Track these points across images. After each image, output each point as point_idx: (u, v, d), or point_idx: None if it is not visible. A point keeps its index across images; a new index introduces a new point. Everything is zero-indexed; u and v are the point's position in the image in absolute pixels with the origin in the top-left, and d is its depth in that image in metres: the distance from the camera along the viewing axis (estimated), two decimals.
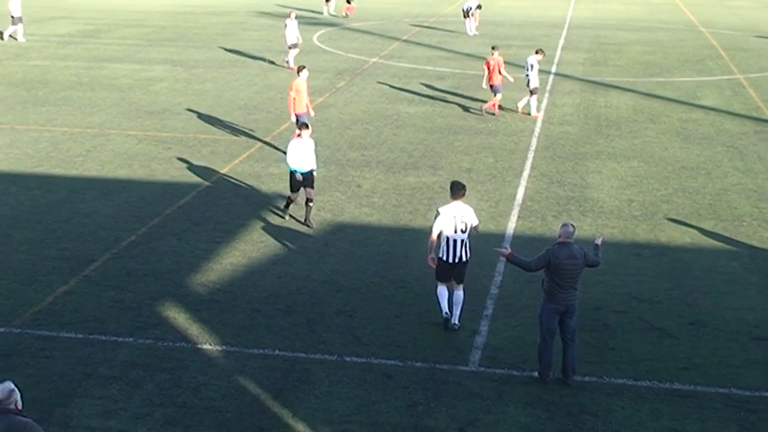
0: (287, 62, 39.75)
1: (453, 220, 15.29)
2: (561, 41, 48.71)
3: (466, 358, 14.56)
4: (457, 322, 15.52)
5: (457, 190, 15.54)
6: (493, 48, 31.48)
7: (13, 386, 9.32)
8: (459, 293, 15.59)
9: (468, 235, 15.48)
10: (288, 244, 19.25)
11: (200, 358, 14.45)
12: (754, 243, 19.62)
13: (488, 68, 30.71)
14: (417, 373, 14.07)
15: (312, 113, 25.85)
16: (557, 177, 23.91)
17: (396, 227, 20.40)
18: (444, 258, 15.46)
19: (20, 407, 9.25)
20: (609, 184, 23.49)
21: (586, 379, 13.97)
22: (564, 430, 12.63)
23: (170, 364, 14.23)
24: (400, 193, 22.57)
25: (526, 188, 22.93)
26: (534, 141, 27.56)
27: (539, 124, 29.76)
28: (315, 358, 14.49)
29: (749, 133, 29.00)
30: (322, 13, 56.95)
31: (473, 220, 15.56)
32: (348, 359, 14.47)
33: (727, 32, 52.86)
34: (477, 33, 50.45)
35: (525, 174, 24.09)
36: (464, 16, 51.16)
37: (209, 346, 14.80)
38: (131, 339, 14.99)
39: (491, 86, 30.93)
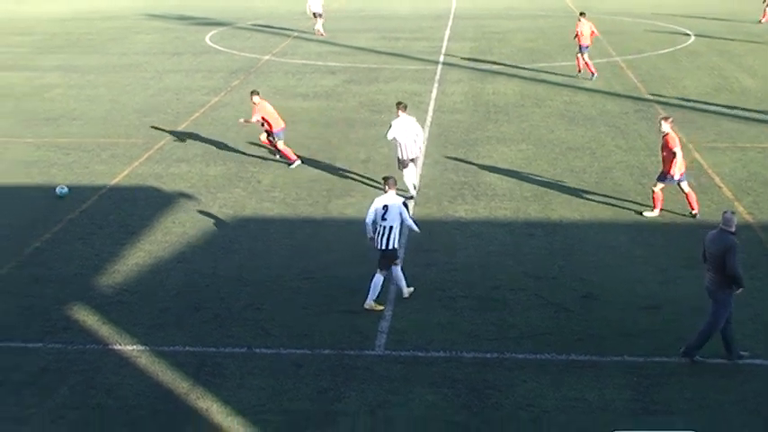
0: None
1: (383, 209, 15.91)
2: (447, 32, 49.11)
3: (372, 343, 14.70)
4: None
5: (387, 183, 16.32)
6: (581, 14, 36.51)
7: None
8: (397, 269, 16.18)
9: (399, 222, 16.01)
10: (192, 242, 19.15)
11: (112, 359, 14.34)
12: (639, 218, 20.11)
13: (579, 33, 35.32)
14: (326, 361, 14.16)
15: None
16: (450, 164, 24.17)
17: (297, 219, 20.44)
18: (377, 246, 16.00)
19: None
20: (500, 167, 23.82)
21: (488, 355, 14.21)
22: (469, 406, 12.85)
23: (82, 367, 14.09)
24: (299, 186, 22.59)
25: (421, 176, 23.12)
26: (426, 130, 27.77)
27: (430, 113, 30.03)
28: (225, 352, 14.49)
29: (630, 113, 29.66)
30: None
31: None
32: (258, 351, 14.51)
33: (604, 17, 53.83)
34: (324, 35, 48.03)
35: (419, 162, 24.29)
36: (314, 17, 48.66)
37: (121, 347, 14.69)
38: (41, 344, 14.81)
39: (580, 47, 35.38)
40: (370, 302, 15.88)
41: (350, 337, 14.86)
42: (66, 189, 22.02)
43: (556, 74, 36.47)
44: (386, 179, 16.41)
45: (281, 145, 24.25)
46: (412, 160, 21.54)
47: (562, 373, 13.72)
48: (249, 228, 20.01)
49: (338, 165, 24.29)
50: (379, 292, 15.95)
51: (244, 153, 25.55)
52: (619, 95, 32.41)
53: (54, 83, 35.94)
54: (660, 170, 20.11)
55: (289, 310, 15.94)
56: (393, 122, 21.44)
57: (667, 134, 19.79)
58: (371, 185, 22.40)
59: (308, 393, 13.25)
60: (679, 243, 18.62)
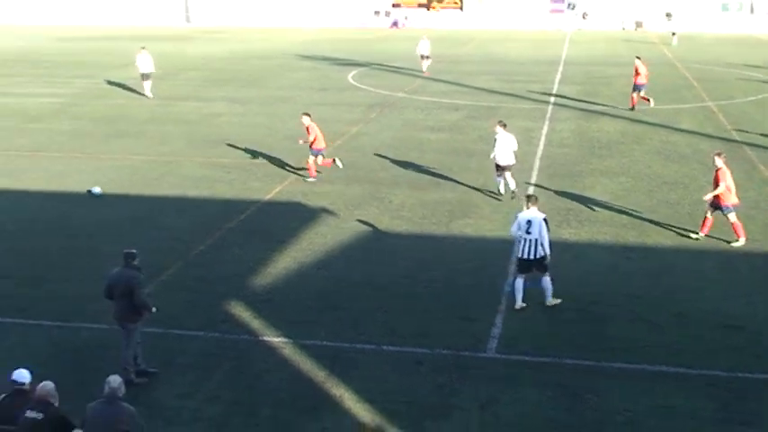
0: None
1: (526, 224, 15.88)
2: (558, 76, 48.61)
3: (485, 346, 14.55)
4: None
5: (530, 200, 16.36)
6: (637, 57, 37.56)
7: (121, 380, 9.58)
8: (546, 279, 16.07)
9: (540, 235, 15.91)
10: (331, 251, 19.27)
11: (261, 349, 14.50)
12: (726, 246, 19.48)
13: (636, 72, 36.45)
14: (443, 360, 14.06)
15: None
16: (557, 192, 23.83)
17: (422, 235, 20.40)
18: (518, 254, 16.06)
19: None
20: (601, 197, 23.39)
21: (587, 363, 13.92)
22: (569, 407, 12.61)
23: (235, 354, 14.30)
24: (425, 207, 22.55)
25: None
26: (537, 162, 27.50)
27: (540, 147, 29.70)
28: (357, 348, 14.51)
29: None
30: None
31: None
32: (385, 348, 14.49)
33: (697, 66, 52.62)
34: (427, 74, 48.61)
35: (530, 189, 24.03)
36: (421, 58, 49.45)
37: (268, 339, 14.85)
38: (202, 333, 15.07)
39: (636, 85, 36.69)
40: (520, 304, 15.84)
41: (465, 340, 14.73)
42: (99, 190, 23.40)
43: (654, 115, 35.68)
44: (528, 197, 16.55)
45: (311, 160, 24.96)
46: (506, 167, 22.86)
47: (653, 382, 13.35)
48: (381, 241, 20.05)
49: (459, 189, 24.19)
50: (523, 295, 15.89)
51: (378, 176, 25.64)
52: (711, 136, 31.51)
53: (220, 111, 36.72)
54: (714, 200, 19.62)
55: (412, 313, 15.90)
56: (496, 138, 23.06)
57: (719, 168, 19.27)
58: (487, 208, 22.27)
59: (427, 387, 13.18)
60: (763, 269, 18.01)
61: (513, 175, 23.15)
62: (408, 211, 22.25)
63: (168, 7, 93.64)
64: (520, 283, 15.94)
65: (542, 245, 15.83)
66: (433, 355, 14.25)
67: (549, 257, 15.96)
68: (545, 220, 16.08)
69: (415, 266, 18.33)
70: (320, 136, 25.02)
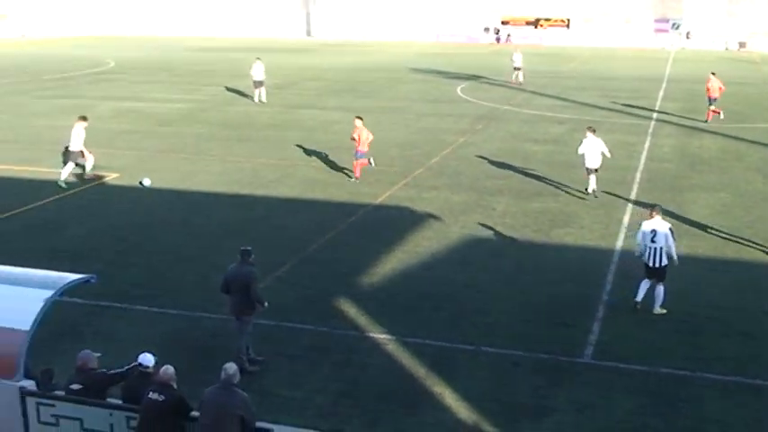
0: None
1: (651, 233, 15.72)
2: (661, 93, 47.44)
3: (581, 352, 14.25)
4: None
5: (654, 209, 16.19)
6: (712, 73, 38.16)
7: (237, 367, 9.71)
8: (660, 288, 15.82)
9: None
10: (436, 254, 19.20)
11: (366, 344, 14.53)
12: None
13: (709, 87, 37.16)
14: (540, 363, 13.84)
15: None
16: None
17: (524, 242, 20.13)
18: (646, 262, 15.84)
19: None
20: (701, 211, 22.69)
21: (682, 373, 13.49)
22: (663, 414, 12.24)
23: (342, 348, 14.36)
24: (527, 215, 22.27)
25: (631, 214, 22.34)
26: (638, 176, 26.86)
27: (642, 161, 29.01)
28: (457, 347, 14.40)
29: None
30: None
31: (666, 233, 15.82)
32: (484, 349, 14.33)
33: None
34: (521, 82, 50.43)
35: (631, 202, 23.51)
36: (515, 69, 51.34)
37: (374, 335, 14.86)
38: (312, 327, 15.18)
39: (709, 99, 37.00)
40: (657, 309, 15.63)
41: (562, 345, 14.46)
42: (149, 182, 24.55)
43: (755, 133, 34.47)
44: (652, 206, 16.35)
45: (356, 160, 25.72)
46: (595, 170, 23.80)
47: (747, 395, 12.86)
48: (483, 246, 19.87)
49: (560, 200, 23.81)
50: (664, 300, 15.70)
51: (482, 185, 25.45)
52: None
53: (335, 119, 37.00)
54: None
55: (511, 316, 15.70)
56: (584, 141, 24.03)
57: None
58: (588, 218, 21.87)
59: (523, 389, 12.99)
60: None
61: (613, 189, 22.69)
62: (510, 218, 22.01)
63: (291, 21, 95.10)
64: (645, 283, 15.82)
65: (668, 254, 15.68)
66: (531, 357, 14.03)
67: (676, 263, 15.84)
68: (670, 229, 15.88)
69: (515, 272, 18.11)
70: (363, 140, 25.54)
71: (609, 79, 54.04)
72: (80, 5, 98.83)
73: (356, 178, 25.75)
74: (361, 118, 26.32)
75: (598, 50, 79.04)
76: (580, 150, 24.05)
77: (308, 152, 30.08)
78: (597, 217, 22.13)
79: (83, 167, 25.75)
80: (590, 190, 23.88)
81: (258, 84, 42.55)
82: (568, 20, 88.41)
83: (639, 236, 16.04)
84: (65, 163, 25.53)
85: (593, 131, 24.27)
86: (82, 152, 25.45)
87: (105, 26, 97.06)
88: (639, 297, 15.81)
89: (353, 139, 25.83)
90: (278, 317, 15.25)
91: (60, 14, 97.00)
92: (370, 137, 25.90)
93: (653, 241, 15.61)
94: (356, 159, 25.84)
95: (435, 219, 21.87)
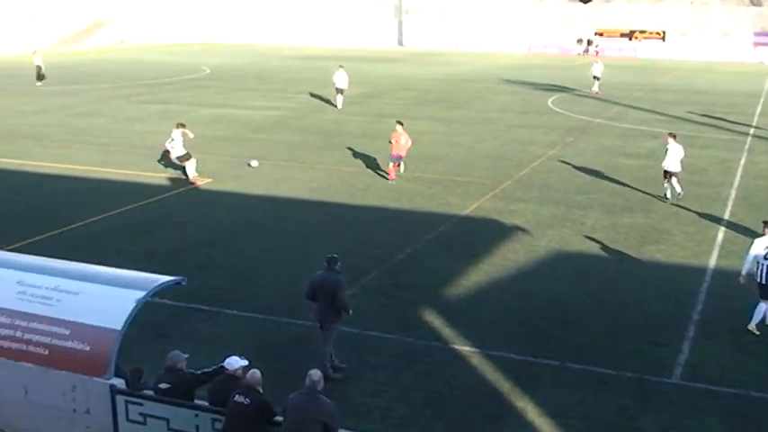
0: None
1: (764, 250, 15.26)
2: (759, 108, 46.08)
3: (670, 372, 13.92)
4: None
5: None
6: None
7: (321, 374, 9.79)
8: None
9: None
10: (523, 268, 19.03)
11: (450, 356, 14.47)
12: None
13: None
14: (627, 382, 13.56)
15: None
16: (752, 223, 22.46)
17: (612, 258, 19.79)
18: (757, 279, 15.39)
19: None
20: None
21: None
22: None
23: (426, 359, 14.32)
24: (617, 230, 21.89)
25: (725, 231, 21.79)
26: (733, 192, 26.16)
27: (737, 178, 28.25)
28: (541, 362, 14.23)
29: None
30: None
31: None
32: (569, 365, 14.13)
33: None
34: (598, 92, 50.75)
35: (725, 219, 22.92)
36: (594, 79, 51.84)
37: (458, 346, 14.79)
38: (395, 336, 15.18)
39: None
40: (752, 325, 15.24)
41: (650, 364, 14.15)
42: (256, 163, 26.80)
43: None
44: (765, 222, 15.75)
45: (391, 163, 27.08)
46: (674, 174, 24.60)
47: None
48: (571, 261, 19.60)
49: (652, 215, 23.34)
50: (762, 321, 15.26)
51: (572, 198, 25.14)
52: None
53: (425, 130, 36.99)
54: None
55: (599, 333, 15.43)
56: (667, 147, 24.85)
57: None
58: (680, 235, 21.39)
59: (609, 408, 12.74)
60: None
61: (707, 205, 22.14)
62: (600, 233, 21.66)
63: (383, 31, 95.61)
64: (762, 307, 15.25)
65: None
66: (617, 376, 13.76)
67: None
68: None
69: (603, 288, 17.82)
70: (402, 144, 26.83)
71: (705, 93, 52.80)
72: (180, 12, 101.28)
73: (392, 179, 26.79)
74: (401, 123, 27.45)
75: (694, 64, 77.32)
76: (665, 161, 24.87)
77: None
78: (690, 234, 21.62)
79: (184, 171, 26.58)
80: (669, 195, 24.80)
81: (339, 91, 43.87)
82: (664, 32, 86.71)
83: (750, 253, 15.49)
84: (181, 168, 27.02)
85: (675, 137, 24.98)
86: (185, 155, 26.47)
87: (204, 33, 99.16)
88: (752, 324, 15.24)
89: (391, 143, 27.00)
90: (362, 325, 15.31)
91: (159, 21, 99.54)
92: (409, 142, 27.26)
93: (766, 258, 15.11)
94: (392, 162, 27.05)
95: (523, 232, 21.68)
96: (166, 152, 27.38)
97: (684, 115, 42.67)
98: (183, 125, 27.17)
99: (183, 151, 26.57)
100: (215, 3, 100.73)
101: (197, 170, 26.63)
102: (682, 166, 24.86)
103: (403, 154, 27.08)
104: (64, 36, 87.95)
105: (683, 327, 15.68)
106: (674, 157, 24.62)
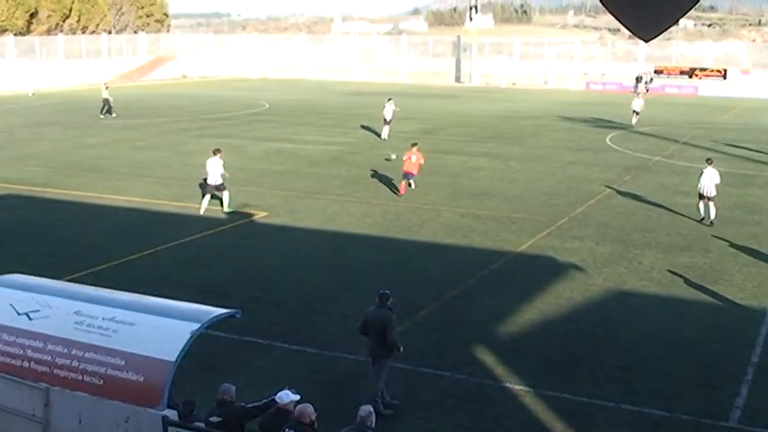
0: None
1: None
2: None
3: (727, 416, 13.62)
4: None
5: None
6: None
7: (371, 409, 9.80)
8: None
9: None
10: (577, 306, 18.84)
11: (502, 394, 14.35)
12: None
13: None
14: (683, 425, 13.30)
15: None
16: None
17: (670, 298, 19.49)
18: None
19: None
20: None
21: None
22: None
23: (478, 397, 14.22)
24: (676, 269, 21.56)
25: None
26: None
27: None
28: (595, 403, 14.03)
29: None
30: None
31: None
32: (623, 407, 13.91)
33: None
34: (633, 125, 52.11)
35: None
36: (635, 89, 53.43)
37: (510, 385, 14.67)
38: (448, 374, 15.11)
39: None
40: None
41: (707, 407, 13.87)
42: (394, 156, 28.60)
43: None
44: None
45: (403, 180, 29.89)
46: (710, 198, 26.11)
47: None
48: (627, 300, 19.36)
49: (711, 255, 22.96)
50: None
51: (629, 237, 24.85)
52: None
53: (481, 166, 37.00)
54: None
55: (654, 374, 15.18)
56: (703, 171, 26.61)
57: None
58: (739, 276, 21.01)
59: None
60: None
61: (766, 244, 21.77)
62: (657, 272, 21.37)
63: (441, 68, 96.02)
64: None
65: None
66: (673, 419, 13.51)
67: None
68: None
69: (660, 328, 17.54)
70: (412, 162, 29.61)
71: (765, 132, 51.95)
72: (241, 49, 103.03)
73: (401, 194, 29.46)
74: (416, 144, 30.67)
75: (755, 102, 76.19)
76: (700, 185, 26.60)
77: (453, 198, 30.15)
78: (749, 275, 21.22)
79: (221, 201, 27.01)
80: (703, 214, 26.32)
81: (385, 122, 45.63)
82: (725, 70, 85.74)
83: None
84: (203, 195, 27.48)
85: (710, 162, 27.16)
86: (221, 185, 26.81)
87: (266, 69, 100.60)
88: None
89: (404, 160, 29.86)
90: (414, 361, 15.28)
91: (220, 56, 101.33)
92: (422, 160, 30.09)
93: None
94: (404, 179, 29.76)
95: (578, 270, 21.48)
96: (204, 179, 27.86)
97: (744, 153, 42.02)
98: (219, 150, 27.62)
99: (219, 180, 26.97)
100: (277, 41, 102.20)
101: (254, 203, 26.90)
102: (717, 191, 26.33)
103: (414, 171, 29.75)
104: (128, 70, 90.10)
105: (741, 370, 15.35)
106: (707, 182, 26.21)
